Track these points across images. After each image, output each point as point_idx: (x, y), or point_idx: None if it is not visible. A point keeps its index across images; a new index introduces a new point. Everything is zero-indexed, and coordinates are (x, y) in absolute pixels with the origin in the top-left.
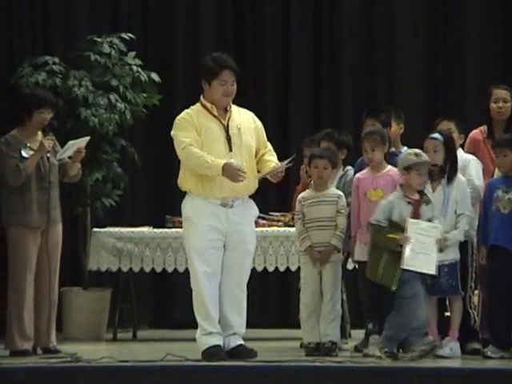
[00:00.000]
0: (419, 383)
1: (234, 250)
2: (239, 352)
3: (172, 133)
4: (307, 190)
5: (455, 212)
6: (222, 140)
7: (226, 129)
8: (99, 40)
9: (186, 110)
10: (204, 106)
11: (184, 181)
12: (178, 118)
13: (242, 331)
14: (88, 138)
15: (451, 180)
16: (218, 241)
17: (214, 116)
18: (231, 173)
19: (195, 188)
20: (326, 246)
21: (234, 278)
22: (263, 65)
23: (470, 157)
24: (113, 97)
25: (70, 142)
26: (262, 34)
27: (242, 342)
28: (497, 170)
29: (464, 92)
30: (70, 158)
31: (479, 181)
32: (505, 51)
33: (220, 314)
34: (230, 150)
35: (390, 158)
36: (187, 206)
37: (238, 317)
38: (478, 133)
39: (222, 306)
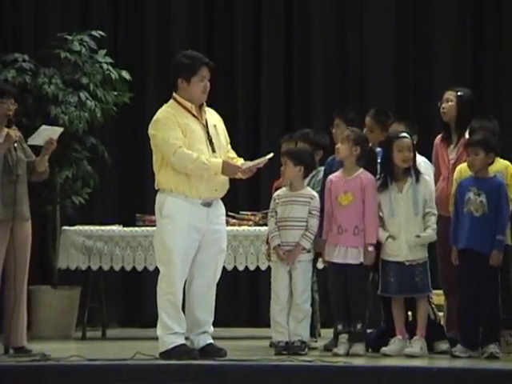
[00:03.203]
0: (387, 382)
1: (208, 249)
2: (209, 351)
3: (154, 133)
4: (283, 189)
5: (424, 211)
6: (204, 141)
7: (206, 129)
8: (69, 38)
9: (166, 109)
10: (181, 105)
11: (167, 180)
12: (160, 117)
13: (212, 330)
14: (61, 130)
15: (418, 178)
16: (196, 241)
17: (194, 116)
18: (231, 170)
19: (179, 187)
20: (294, 246)
21: (207, 276)
22: (234, 64)
23: (421, 159)
24: (83, 95)
25: (43, 127)
26: (234, 33)
27: (212, 340)
28: (457, 170)
29: (434, 93)
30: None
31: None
32: (475, 53)
33: (190, 313)
34: (214, 151)
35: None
36: (167, 205)
37: (209, 315)
38: (438, 137)
39: (193, 305)
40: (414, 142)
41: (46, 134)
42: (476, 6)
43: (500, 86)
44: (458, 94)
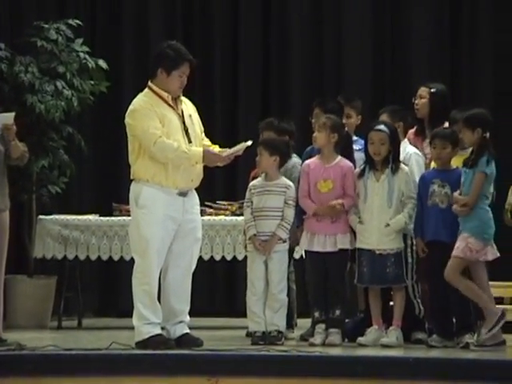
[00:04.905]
0: (363, 372)
1: (183, 238)
2: (185, 340)
3: (132, 122)
4: (258, 179)
5: (400, 202)
6: (181, 131)
7: (182, 119)
8: (46, 26)
9: (142, 98)
10: (157, 94)
11: (143, 170)
12: (138, 107)
13: (188, 319)
14: (13, 114)
15: (395, 170)
16: (172, 231)
17: (170, 106)
18: (211, 158)
19: (156, 177)
20: (270, 236)
21: (182, 266)
22: (211, 56)
23: (412, 150)
24: (59, 83)
25: None
26: (211, 23)
27: (188, 330)
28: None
29: (411, 93)
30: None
31: (418, 177)
32: (452, 53)
33: (165, 303)
34: (190, 141)
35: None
36: (143, 195)
37: (184, 305)
38: (410, 131)
39: (168, 294)
40: (399, 129)
41: None
42: (452, 7)
43: (476, 86)
44: (432, 90)
